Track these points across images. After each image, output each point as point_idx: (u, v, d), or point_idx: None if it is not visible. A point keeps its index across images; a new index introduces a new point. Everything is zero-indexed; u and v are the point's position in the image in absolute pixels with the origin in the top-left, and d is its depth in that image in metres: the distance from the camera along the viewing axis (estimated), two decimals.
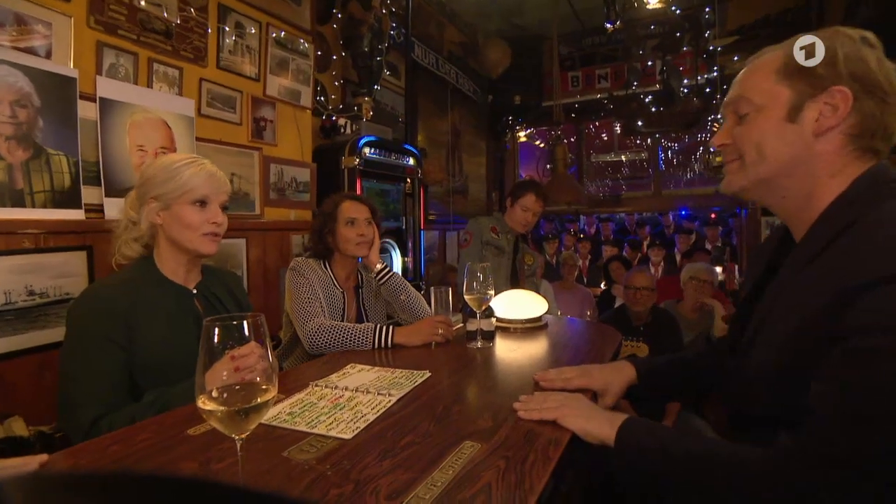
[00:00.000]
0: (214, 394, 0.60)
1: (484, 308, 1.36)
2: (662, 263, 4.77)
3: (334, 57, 3.15)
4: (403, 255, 3.19)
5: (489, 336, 1.41)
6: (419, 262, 3.37)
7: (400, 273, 2.95)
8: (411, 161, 3.25)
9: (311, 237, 1.65)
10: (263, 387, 0.62)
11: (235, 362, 0.62)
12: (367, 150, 2.82)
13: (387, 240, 3.05)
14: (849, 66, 0.65)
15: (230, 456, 0.73)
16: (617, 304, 3.16)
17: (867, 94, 0.65)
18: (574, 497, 0.92)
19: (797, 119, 0.68)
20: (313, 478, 0.67)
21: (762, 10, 4.44)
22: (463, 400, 1.00)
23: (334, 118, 2.98)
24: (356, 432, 0.81)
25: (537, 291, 2.19)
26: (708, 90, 4.41)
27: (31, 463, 0.70)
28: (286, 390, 1.01)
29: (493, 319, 1.47)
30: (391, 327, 1.40)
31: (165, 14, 1.91)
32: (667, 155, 6.53)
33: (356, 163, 2.75)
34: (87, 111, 1.63)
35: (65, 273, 1.51)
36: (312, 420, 0.86)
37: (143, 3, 1.83)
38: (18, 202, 1.43)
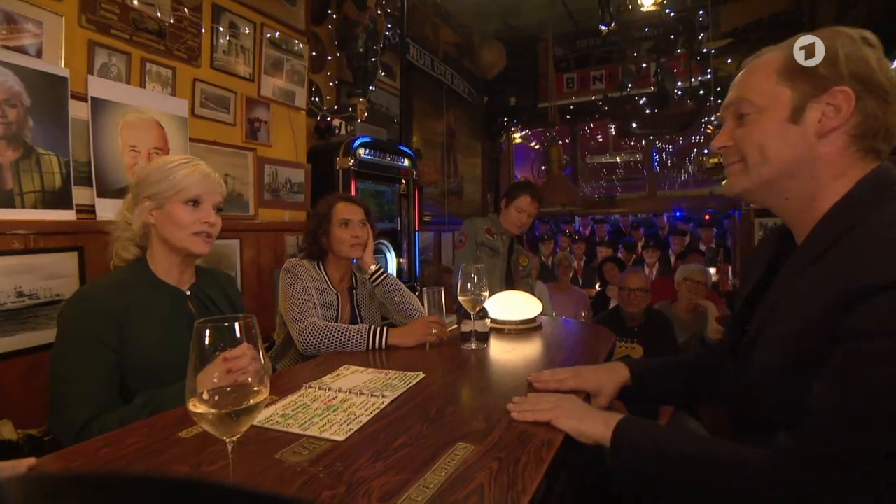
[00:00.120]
0: (205, 396, 0.60)
1: (478, 309, 1.36)
2: (657, 265, 4.80)
3: (329, 57, 3.14)
4: (398, 256, 3.18)
5: (483, 337, 1.41)
6: (414, 264, 3.37)
7: (395, 274, 2.95)
8: (406, 162, 3.25)
9: (305, 238, 1.65)
10: (255, 388, 0.61)
11: (228, 364, 0.61)
12: (361, 150, 2.82)
13: (381, 241, 3.04)
14: (850, 67, 0.65)
15: (222, 459, 0.72)
16: (611, 306, 3.17)
17: (869, 94, 0.65)
18: (567, 498, 0.92)
19: (800, 120, 0.68)
20: (305, 480, 0.67)
21: (755, 13, 4.48)
22: (456, 401, 1.00)
23: (329, 119, 2.97)
24: (349, 434, 0.80)
25: (532, 293, 2.20)
26: (702, 92, 4.45)
27: (18, 467, 0.70)
28: (279, 392, 1.00)
29: (488, 321, 1.47)
30: (385, 328, 1.40)
31: (158, 14, 1.90)
32: (661, 156, 6.56)
33: (351, 164, 2.75)
34: (78, 111, 1.62)
35: (55, 274, 1.50)
36: (305, 422, 0.86)
37: (135, 2, 1.81)
38: (8, 202, 1.42)
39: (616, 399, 1.04)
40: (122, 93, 1.76)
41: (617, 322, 2.35)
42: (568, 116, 5.46)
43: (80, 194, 1.62)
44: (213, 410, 0.59)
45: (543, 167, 6.28)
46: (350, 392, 1.00)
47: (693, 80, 4.58)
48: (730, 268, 4.64)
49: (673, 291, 2.73)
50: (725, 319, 2.31)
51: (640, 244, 5.63)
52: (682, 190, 6.37)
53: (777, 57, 0.71)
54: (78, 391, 0.95)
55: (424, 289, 1.47)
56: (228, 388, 0.61)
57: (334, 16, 3.10)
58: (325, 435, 0.80)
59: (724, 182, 0.79)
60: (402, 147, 3.29)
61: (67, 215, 1.56)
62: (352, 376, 1.12)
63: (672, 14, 4.39)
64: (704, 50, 4.31)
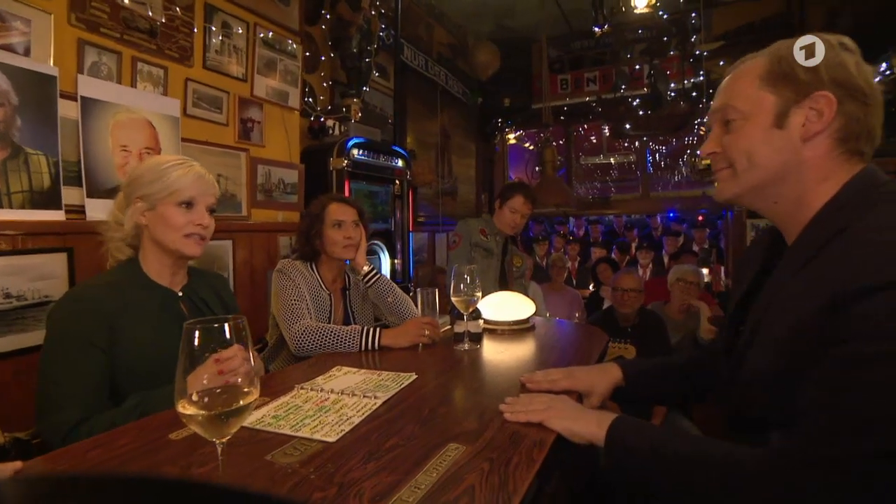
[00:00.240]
0: (195, 397, 0.59)
1: (471, 310, 1.36)
2: (650, 265, 4.83)
3: (323, 58, 3.13)
4: (392, 257, 3.18)
5: (476, 338, 1.41)
6: (408, 264, 3.36)
7: (388, 275, 2.94)
8: (400, 163, 3.24)
9: (298, 239, 1.64)
10: (245, 390, 0.61)
11: (219, 365, 0.61)
12: (355, 151, 2.81)
13: (375, 242, 3.04)
14: (830, 72, 0.66)
15: (212, 460, 0.72)
16: (605, 306, 3.18)
17: (850, 98, 0.66)
18: (559, 498, 0.92)
19: (784, 125, 0.69)
20: (296, 481, 0.66)
21: (746, 17, 4.53)
22: (449, 402, 0.99)
23: (322, 119, 2.96)
24: (341, 435, 0.80)
25: (526, 293, 2.20)
26: (694, 94, 4.48)
27: (4, 470, 0.69)
28: (271, 393, 1.00)
29: (481, 321, 1.47)
30: (378, 329, 1.39)
31: (150, 12, 1.89)
32: (654, 158, 6.60)
33: (344, 164, 2.74)
34: (68, 110, 1.61)
35: (44, 275, 1.48)
36: (297, 423, 0.85)
37: (126, 1, 1.80)
38: None
39: (609, 400, 1.04)
40: (112, 92, 1.74)
41: (610, 322, 2.36)
42: (562, 118, 5.48)
43: (69, 194, 1.60)
44: (202, 412, 0.58)
45: (537, 168, 6.29)
46: (342, 393, 1.00)
47: (686, 81, 4.61)
48: (722, 268, 4.68)
49: (666, 292, 2.75)
50: (718, 320, 2.33)
51: (633, 245, 5.66)
52: (676, 191, 6.41)
53: (760, 63, 0.72)
54: (67, 393, 0.94)
55: (419, 289, 1.47)
56: (218, 390, 0.61)
57: (328, 16, 3.09)
58: (317, 436, 0.80)
59: (714, 188, 0.80)
60: (396, 148, 3.29)
61: (56, 216, 1.54)
62: (344, 377, 1.12)
63: (665, 16, 4.42)
64: (697, 52, 4.34)
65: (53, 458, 0.77)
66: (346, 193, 2.73)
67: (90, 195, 1.66)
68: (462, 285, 1.33)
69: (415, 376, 1.10)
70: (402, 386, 1.05)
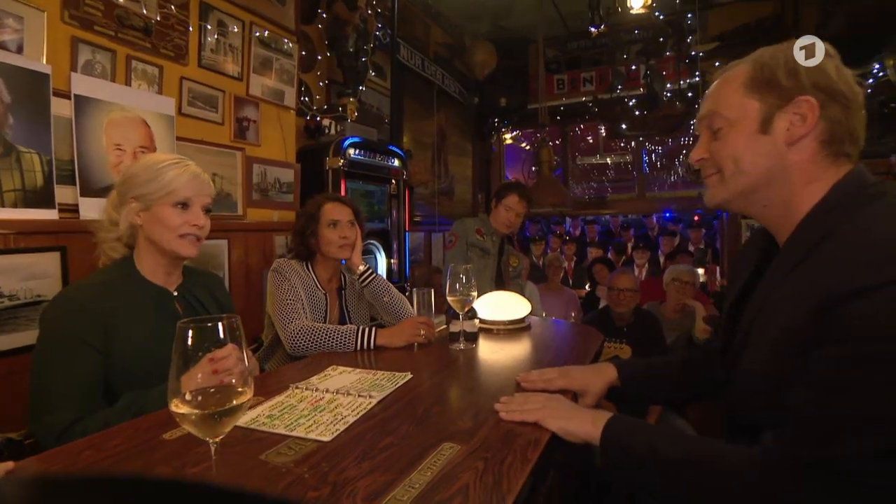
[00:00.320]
0: (188, 397, 0.59)
1: (467, 309, 1.36)
2: (646, 265, 4.84)
3: (319, 57, 3.13)
4: (388, 256, 3.18)
5: (472, 337, 1.41)
6: (404, 264, 3.36)
7: (385, 275, 2.94)
8: (396, 162, 3.24)
9: (294, 238, 1.64)
10: (239, 389, 0.61)
11: (214, 365, 0.60)
12: (351, 150, 2.81)
13: (371, 241, 3.03)
14: (810, 77, 0.68)
15: (206, 460, 0.71)
16: (601, 306, 3.19)
17: (832, 102, 0.68)
18: (554, 497, 0.92)
19: (769, 130, 0.70)
20: (290, 481, 0.66)
21: (741, 19, 4.56)
22: (444, 401, 0.99)
23: (319, 119, 2.96)
24: (335, 434, 0.80)
25: (522, 293, 2.21)
26: (690, 94, 4.50)
27: None
28: (266, 393, 1.00)
29: (476, 321, 1.47)
30: (373, 329, 1.39)
31: (144, 11, 1.88)
32: (651, 158, 6.62)
33: (340, 164, 2.73)
34: (61, 108, 1.59)
35: (36, 275, 1.47)
36: (291, 423, 0.85)
37: None
38: None
39: (605, 399, 1.05)
40: (106, 90, 1.73)
41: (606, 322, 2.37)
42: (558, 118, 5.49)
43: (62, 193, 1.59)
44: (196, 411, 0.58)
45: (534, 168, 6.31)
46: (337, 392, 1.00)
47: (682, 82, 4.64)
48: (718, 268, 4.70)
49: (662, 292, 2.76)
50: (713, 319, 2.34)
51: (629, 245, 5.68)
52: (672, 191, 6.43)
53: (743, 70, 0.73)
54: (60, 393, 0.93)
55: (415, 289, 1.47)
56: (212, 389, 0.61)
57: (324, 15, 3.09)
58: (312, 435, 0.80)
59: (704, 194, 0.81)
60: (392, 147, 3.28)
61: (49, 214, 1.53)
62: (339, 377, 1.12)
63: (661, 17, 4.44)
64: (693, 53, 4.36)
65: (46, 458, 0.76)
66: (343, 193, 2.72)
67: (84, 194, 1.65)
68: (457, 285, 1.34)
69: (410, 376, 1.10)
70: (398, 385, 1.05)
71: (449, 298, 1.35)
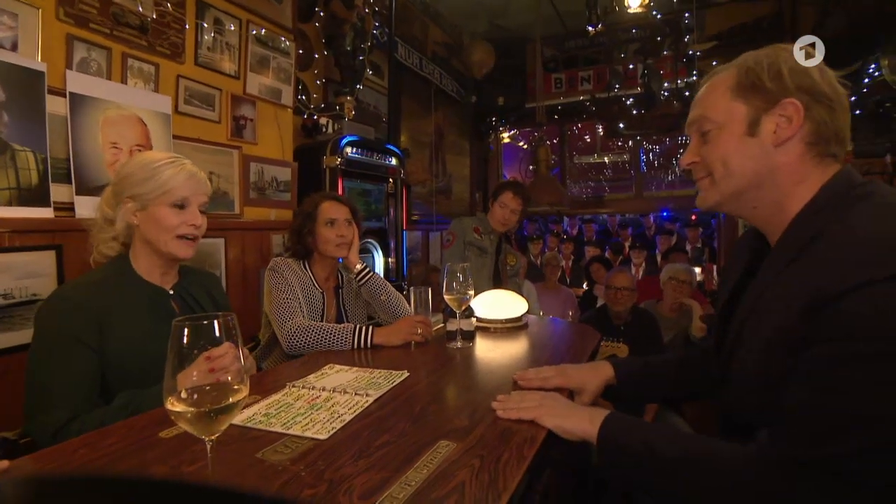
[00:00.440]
0: (184, 395, 0.59)
1: (464, 308, 1.36)
2: (643, 264, 4.85)
3: (316, 56, 3.12)
4: (386, 255, 3.17)
5: (469, 336, 1.41)
6: (401, 263, 3.36)
7: (382, 274, 2.94)
8: (394, 161, 3.24)
9: (291, 237, 1.64)
10: (235, 387, 0.61)
11: (211, 363, 0.60)
12: (349, 149, 2.80)
13: (369, 240, 3.03)
14: (794, 79, 0.69)
15: (202, 459, 0.71)
16: (598, 305, 3.20)
17: (816, 103, 0.69)
18: (550, 495, 0.92)
19: (756, 133, 0.72)
20: (287, 479, 0.66)
21: (739, 18, 4.56)
22: (440, 399, 1.00)
23: (316, 117, 2.95)
24: (332, 433, 0.80)
25: (520, 292, 2.21)
26: (688, 94, 4.51)
27: None
28: (263, 391, 1.00)
29: (473, 319, 1.47)
30: (370, 327, 1.39)
31: (140, 8, 1.87)
32: (648, 157, 6.63)
33: (338, 162, 2.73)
34: (56, 106, 1.59)
35: (31, 273, 1.46)
36: (288, 421, 0.85)
37: None
38: None
39: (601, 398, 1.05)
40: (102, 88, 1.72)
41: (603, 321, 2.37)
42: (556, 116, 5.50)
43: (58, 192, 1.59)
44: (191, 409, 0.58)
45: (531, 167, 6.31)
46: (334, 391, 1.00)
47: (679, 81, 4.64)
48: (715, 267, 4.72)
49: (659, 290, 2.77)
50: (710, 318, 2.34)
51: (627, 244, 5.69)
52: (669, 190, 6.44)
53: (730, 74, 0.75)
54: (56, 392, 0.93)
55: (412, 288, 1.47)
56: (208, 387, 0.61)
57: (321, 13, 3.08)
58: (308, 434, 0.80)
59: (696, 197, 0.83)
60: (389, 146, 3.28)
61: (45, 213, 1.53)
62: (336, 375, 1.12)
63: (658, 16, 4.44)
64: (690, 52, 4.37)
65: (41, 457, 0.76)
66: (340, 192, 2.72)
67: (80, 192, 1.64)
68: (454, 283, 1.34)
69: (407, 374, 1.10)
70: (394, 384, 1.05)
71: (446, 297, 1.35)
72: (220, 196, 2.25)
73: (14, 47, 1.48)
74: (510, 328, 1.61)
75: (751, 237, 0.85)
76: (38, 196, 1.51)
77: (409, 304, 1.51)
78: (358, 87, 3.12)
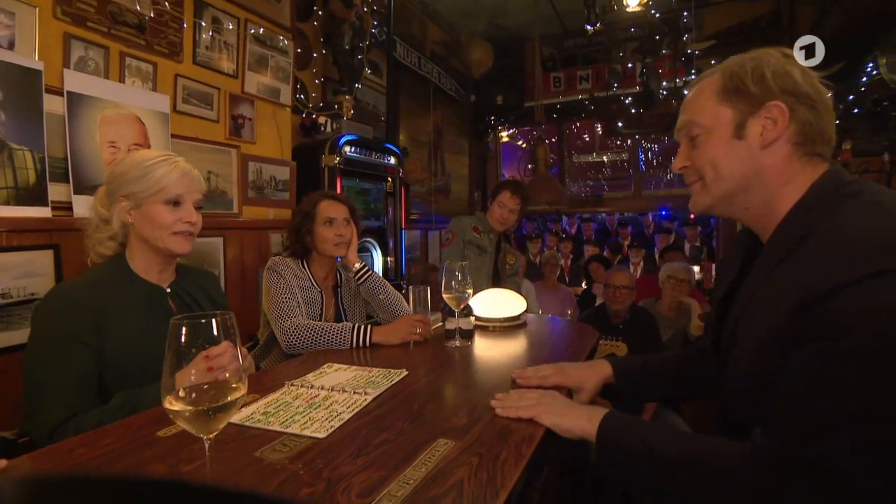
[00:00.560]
0: (182, 393, 0.59)
1: (462, 307, 1.36)
2: (642, 263, 4.86)
3: (314, 54, 3.12)
4: (385, 254, 3.17)
5: (468, 335, 1.41)
6: (400, 262, 3.36)
7: (381, 273, 2.93)
8: (393, 160, 3.24)
9: (289, 236, 1.63)
10: (233, 385, 0.61)
11: (209, 362, 0.60)
12: (347, 148, 2.80)
13: (367, 239, 3.03)
14: (777, 82, 0.70)
15: (200, 457, 0.71)
16: (597, 304, 3.20)
17: (800, 105, 0.70)
18: (549, 493, 0.93)
19: (743, 136, 0.73)
20: (285, 477, 0.66)
21: (737, 17, 4.57)
22: (439, 398, 1.00)
23: (314, 116, 2.95)
24: (330, 431, 0.80)
25: (519, 291, 2.21)
26: (686, 92, 4.50)
27: None
28: (261, 390, 1.00)
29: (472, 318, 1.47)
30: (369, 326, 1.39)
31: (138, 7, 1.87)
32: (647, 156, 6.64)
33: (336, 161, 2.73)
34: (54, 105, 1.58)
35: (29, 273, 1.46)
36: (287, 420, 0.85)
37: None
38: None
39: (599, 397, 1.05)
40: (99, 87, 1.72)
41: (602, 319, 2.38)
42: (555, 115, 5.50)
43: (56, 191, 1.58)
44: (189, 407, 0.58)
45: (530, 166, 6.31)
46: (332, 389, 1.00)
47: (678, 80, 4.64)
48: (713, 266, 4.72)
49: (657, 289, 2.77)
50: (708, 317, 2.35)
51: (625, 243, 5.69)
52: (668, 189, 6.45)
53: (715, 79, 0.76)
54: (54, 390, 0.92)
55: (410, 287, 1.47)
56: (206, 386, 0.61)
57: (320, 12, 3.08)
58: (307, 432, 0.80)
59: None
60: (388, 145, 3.28)
61: (42, 212, 1.52)
62: (335, 374, 1.12)
63: (657, 15, 4.44)
64: (689, 51, 4.37)
65: (39, 456, 0.76)
66: (338, 191, 2.72)
67: (77, 191, 1.64)
68: (453, 282, 1.34)
69: (405, 373, 1.10)
70: (393, 382, 1.05)
71: (444, 295, 1.35)
72: (219, 195, 2.25)
73: (11, 46, 1.48)
74: (509, 327, 1.61)
75: (744, 237, 0.85)
76: (35, 195, 1.51)
77: (408, 303, 1.51)
78: (356, 86, 3.12)
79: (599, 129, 6.35)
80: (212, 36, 2.20)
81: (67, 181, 1.63)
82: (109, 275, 1.06)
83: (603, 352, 2.26)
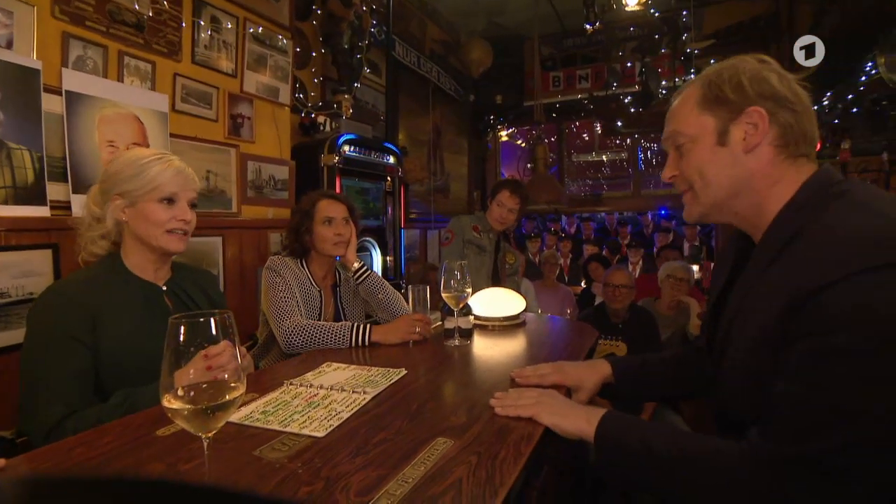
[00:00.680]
0: (180, 392, 0.59)
1: (461, 306, 1.36)
2: (641, 262, 4.86)
3: (313, 54, 3.11)
4: (384, 253, 3.17)
5: (467, 334, 1.41)
6: (399, 261, 3.36)
7: (380, 272, 2.93)
8: (392, 159, 3.24)
9: (288, 235, 1.63)
10: (232, 384, 0.61)
11: (208, 361, 0.60)
12: (346, 147, 2.80)
13: (367, 238, 3.03)
14: (754, 88, 0.72)
15: (199, 456, 0.71)
16: (597, 303, 3.20)
17: (779, 108, 0.72)
18: (548, 493, 0.93)
19: (726, 142, 0.75)
20: (284, 476, 0.66)
21: (736, 17, 4.57)
22: (438, 397, 1.00)
23: (313, 115, 2.95)
24: (329, 430, 0.80)
25: (518, 290, 2.21)
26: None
27: None
28: (260, 389, 1.00)
29: (471, 317, 1.47)
30: (368, 325, 1.39)
31: (136, 6, 1.86)
32: (646, 155, 6.64)
33: (335, 160, 2.73)
34: (52, 104, 1.58)
35: (28, 272, 1.46)
36: (285, 419, 0.85)
37: None
38: None
39: (598, 397, 1.05)
40: (98, 86, 1.72)
41: (601, 318, 2.38)
42: (554, 115, 5.50)
43: (54, 190, 1.58)
44: (188, 406, 0.58)
45: (529, 165, 6.31)
46: (331, 388, 1.00)
47: (677, 79, 4.64)
48: (712, 265, 4.73)
49: (656, 288, 2.77)
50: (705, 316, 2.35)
51: (624, 243, 5.69)
52: (667, 188, 6.44)
53: (695, 90, 0.78)
54: (50, 388, 0.92)
55: (410, 286, 1.47)
56: (205, 385, 0.61)
57: (319, 11, 3.07)
58: (305, 431, 0.80)
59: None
60: (387, 144, 3.28)
61: (41, 211, 1.52)
62: (334, 373, 1.12)
63: (656, 14, 4.44)
64: (688, 50, 4.37)
65: (36, 455, 0.76)
66: (338, 190, 2.72)
67: (76, 191, 1.64)
68: (452, 281, 1.34)
69: (404, 372, 1.10)
70: (392, 381, 1.05)
71: (444, 295, 1.35)
72: (218, 194, 2.24)
73: (9, 45, 1.48)
74: (508, 326, 1.62)
75: (737, 237, 0.86)
76: (34, 194, 1.51)
77: (407, 302, 1.51)
78: (356, 85, 3.12)
79: (599, 128, 6.36)
80: (210, 35, 2.20)
81: (66, 180, 1.62)
82: (104, 273, 1.06)
83: (602, 351, 2.27)
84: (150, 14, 1.92)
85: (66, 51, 1.65)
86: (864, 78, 3.77)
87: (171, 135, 1.98)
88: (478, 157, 5.76)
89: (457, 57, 4.98)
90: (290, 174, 2.64)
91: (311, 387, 1.01)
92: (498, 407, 0.87)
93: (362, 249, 2.96)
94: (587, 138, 7.17)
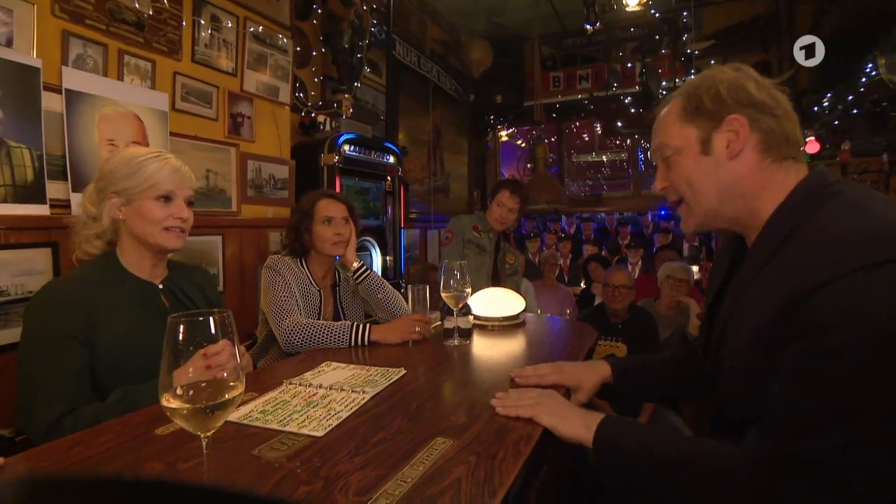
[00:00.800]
0: (179, 391, 0.59)
1: (461, 306, 1.36)
2: (640, 263, 4.86)
3: (314, 53, 3.11)
4: (383, 253, 3.17)
5: (466, 334, 1.41)
6: (399, 261, 3.36)
7: (379, 272, 2.93)
8: (392, 159, 3.23)
9: (288, 235, 1.63)
10: (231, 383, 0.61)
11: (207, 360, 0.60)
12: (346, 147, 2.80)
13: (367, 238, 3.03)
14: (732, 96, 0.74)
15: (198, 456, 0.71)
16: (596, 303, 3.20)
17: (759, 114, 0.73)
18: (548, 493, 0.93)
19: (710, 151, 0.76)
20: (282, 476, 0.66)
21: (736, 17, 4.58)
22: (437, 397, 1.00)
23: (313, 115, 2.94)
24: (328, 430, 0.80)
25: (518, 290, 2.21)
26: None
27: None
28: (259, 388, 0.99)
29: (471, 317, 1.47)
30: (368, 325, 1.39)
31: (136, 5, 1.86)
32: (646, 155, 6.64)
33: (335, 160, 2.73)
34: (52, 103, 1.58)
35: (27, 270, 1.46)
36: (285, 418, 0.85)
37: None
38: None
39: (598, 398, 1.05)
40: (98, 85, 1.72)
41: (601, 319, 2.38)
42: (554, 115, 5.50)
43: (54, 188, 1.58)
44: (186, 405, 0.58)
45: (529, 165, 6.31)
46: (331, 388, 1.00)
47: (677, 80, 4.65)
48: (712, 265, 4.72)
49: (656, 289, 2.77)
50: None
51: (624, 243, 5.69)
52: None
53: (677, 103, 0.80)
54: (48, 387, 0.92)
55: (410, 286, 1.47)
56: (203, 384, 0.60)
57: (319, 11, 3.07)
58: (305, 431, 0.80)
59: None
60: (387, 144, 3.28)
61: (40, 210, 1.52)
62: (333, 372, 1.12)
63: (657, 15, 4.44)
64: (688, 51, 4.37)
65: (35, 454, 0.75)
66: (337, 189, 2.71)
67: (76, 189, 1.64)
68: (452, 281, 1.34)
69: (404, 371, 1.10)
70: (391, 381, 1.05)
71: (443, 294, 1.35)
72: (218, 194, 2.24)
73: (9, 43, 1.47)
74: (507, 326, 1.61)
75: (732, 238, 0.86)
76: (33, 193, 1.51)
77: (407, 302, 1.51)
78: (356, 84, 3.12)
79: (599, 128, 6.36)
80: (211, 34, 2.19)
81: (66, 179, 1.62)
82: (101, 271, 1.05)
83: (602, 352, 2.27)
84: (151, 13, 1.92)
85: (66, 49, 1.64)
86: (864, 79, 3.77)
87: (171, 133, 1.98)
88: (478, 157, 5.76)
89: (457, 57, 4.98)
90: (289, 173, 2.64)
91: (310, 386, 1.01)
92: (498, 406, 0.87)
93: (362, 249, 2.96)
94: (587, 138, 7.17)
